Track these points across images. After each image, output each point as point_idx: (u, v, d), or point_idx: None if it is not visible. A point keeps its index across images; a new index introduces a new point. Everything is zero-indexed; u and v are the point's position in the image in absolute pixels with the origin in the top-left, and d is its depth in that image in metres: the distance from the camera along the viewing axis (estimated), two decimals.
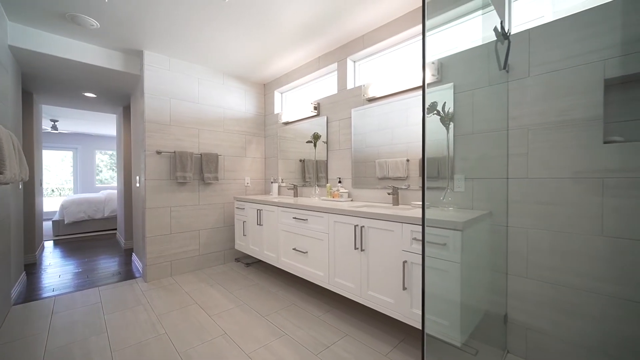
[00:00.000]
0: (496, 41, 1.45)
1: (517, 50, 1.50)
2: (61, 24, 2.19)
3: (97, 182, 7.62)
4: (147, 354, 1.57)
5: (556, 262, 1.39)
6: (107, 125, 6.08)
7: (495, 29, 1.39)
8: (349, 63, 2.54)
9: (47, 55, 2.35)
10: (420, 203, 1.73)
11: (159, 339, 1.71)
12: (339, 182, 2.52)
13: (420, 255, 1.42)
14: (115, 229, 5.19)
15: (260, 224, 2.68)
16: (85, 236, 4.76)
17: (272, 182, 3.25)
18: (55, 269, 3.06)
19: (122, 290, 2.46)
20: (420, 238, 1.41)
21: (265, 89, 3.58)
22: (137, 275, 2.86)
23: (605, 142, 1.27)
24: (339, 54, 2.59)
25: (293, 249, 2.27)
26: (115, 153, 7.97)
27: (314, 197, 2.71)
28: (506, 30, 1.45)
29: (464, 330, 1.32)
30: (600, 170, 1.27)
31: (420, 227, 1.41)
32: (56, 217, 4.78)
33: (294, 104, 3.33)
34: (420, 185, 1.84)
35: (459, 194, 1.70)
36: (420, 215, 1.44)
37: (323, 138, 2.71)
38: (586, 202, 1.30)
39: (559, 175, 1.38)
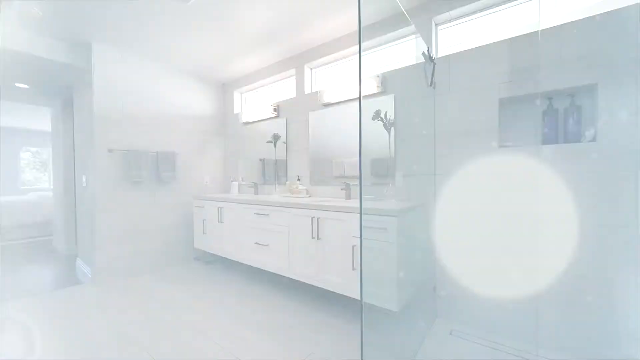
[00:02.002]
0: (425, 62, 1.77)
1: (440, 71, 1.85)
2: None
3: (21, 184, 6.66)
4: (108, 351, 1.58)
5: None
6: (36, 119, 5.39)
7: (423, 53, 1.72)
8: (307, 70, 2.74)
9: None
10: (368, 197, 2.00)
11: (119, 336, 1.71)
12: (298, 179, 2.71)
13: (367, 239, 1.68)
14: (51, 235, 4.66)
15: (221, 222, 2.74)
16: (11, 244, 4.20)
17: (232, 181, 3.30)
18: None
19: (69, 295, 2.32)
20: (366, 225, 1.67)
21: (224, 89, 3.60)
22: (84, 281, 2.69)
23: (500, 147, 1.66)
24: (297, 61, 2.77)
25: (255, 242, 2.40)
26: (39, 150, 7.02)
27: (275, 194, 2.85)
28: (432, 55, 1.79)
29: (401, 300, 1.61)
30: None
31: (367, 216, 1.67)
32: None
33: (254, 105, 3.43)
34: (372, 182, 2.13)
35: (399, 188, 2.02)
36: (367, 207, 1.70)
37: (283, 138, 2.87)
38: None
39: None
